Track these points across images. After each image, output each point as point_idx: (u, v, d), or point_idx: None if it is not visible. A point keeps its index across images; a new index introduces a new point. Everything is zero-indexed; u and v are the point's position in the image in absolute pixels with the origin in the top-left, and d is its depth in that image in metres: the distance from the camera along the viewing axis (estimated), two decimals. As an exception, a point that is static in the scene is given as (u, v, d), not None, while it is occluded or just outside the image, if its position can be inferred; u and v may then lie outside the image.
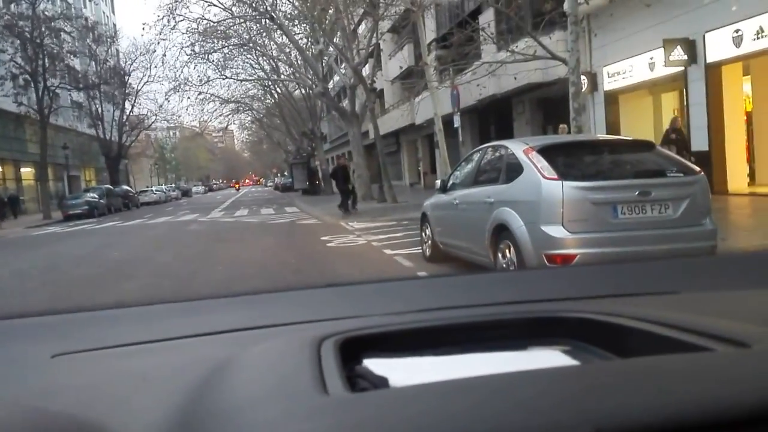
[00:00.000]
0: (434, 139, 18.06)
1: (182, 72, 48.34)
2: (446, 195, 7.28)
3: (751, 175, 12.89)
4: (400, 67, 30.22)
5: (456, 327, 0.83)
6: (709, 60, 12.23)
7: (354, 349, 0.76)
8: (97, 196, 30.15)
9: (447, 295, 1.14)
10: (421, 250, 8.28)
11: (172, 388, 0.70)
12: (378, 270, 7.94)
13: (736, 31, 11.37)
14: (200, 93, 30.44)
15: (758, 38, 10.97)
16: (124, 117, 42.41)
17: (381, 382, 0.66)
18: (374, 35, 22.74)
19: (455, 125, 16.49)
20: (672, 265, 1.31)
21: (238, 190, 72.67)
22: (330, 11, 21.19)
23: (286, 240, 12.62)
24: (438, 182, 8.07)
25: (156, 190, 47.70)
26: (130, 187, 45.04)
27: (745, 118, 13.02)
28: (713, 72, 12.32)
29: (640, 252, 4.86)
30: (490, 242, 5.80)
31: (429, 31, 19.88)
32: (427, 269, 7.39)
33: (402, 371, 0.70)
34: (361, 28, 25.17)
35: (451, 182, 7.42)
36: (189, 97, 34.41)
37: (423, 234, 8.15)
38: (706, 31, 12.08)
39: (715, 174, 11.88)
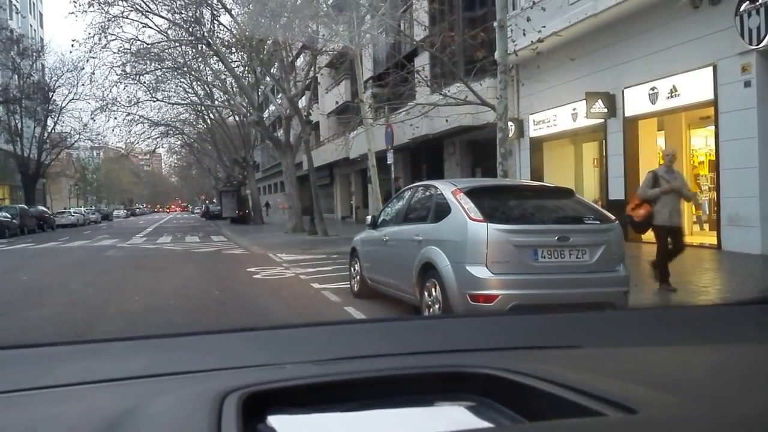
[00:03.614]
0: (367, 174, 18.24)
1: (111, 91, 46.88)
2: (376, 231, 7.33)
3: (663, 224, 13.67)
4: (336, 102, 30.48)
5: (366, 381, 0.83)
6: (627, 114, 13.03)
7: (261, 403, 0.75)
8: (9, 216, 28.44)
9: (362, 342, 1.14)
10: (349, 285, 8.26)
11: None
12: (304, 304, 7.85)
13: (653, 88, 12.20)
14: (128, 114, 29.55)
15: (672, 97, 11.81)
16: (46, 134, 40.51)
17: None
18: (312, 69, 22.91)
19: (388, 162, 16.74)
20: (577, 320, 1.37)
21: (168, 212, 70.09)
22: (268, 42, 21.24)
23: (211, 270, 12.29)
24: (369, 218, 8.13)
25: (74, 212, 45.44)
26: (47, 207, 42.76)
27: (658, 170, 13.87)
28: (631, 125, 13.12)
29: (556, 295, 5.04)
30: (417, 280, 5.86)
31: (366, 69, 20.24)
32: (354, 305, 7.36)
33: (307, 429, 0.69)
34: (299, 61, 25.32)
35: (381, 218, 7.49)
36: (116, 118, 33.44)
37: (352, 269, 8.14)
38: (625, 87, 12.90)
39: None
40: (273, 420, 0.72)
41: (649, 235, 12.89)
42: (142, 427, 0.69)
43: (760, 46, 9.65)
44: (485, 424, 0.74)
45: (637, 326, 1.25)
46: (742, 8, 9.87)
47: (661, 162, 13.50)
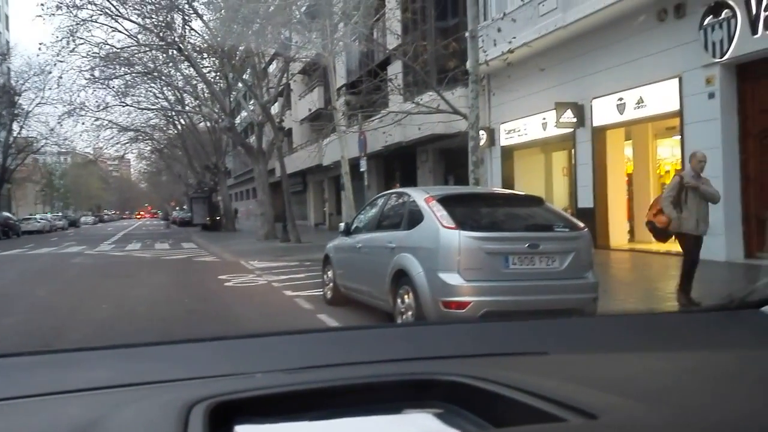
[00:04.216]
0: (341, 181, 18.23)
1: (79, 96, 46.00)
2: (349, 238, 7.33)
3: (631, 232, 13.95)
4: (309, 109, 30.40)
5: (335, 389, 0.84)
6: (596, 124, 13.27)
7: (230, 413, 0.75)
8: (-29, 222, 27.68)
9: (333, 351, 1.15)
10: (322, 293, 8.23)
11: None
12: (276, 312, 7.80)
13: (620, 99, 12.45)
14: (97, 119, 29.04)
15: (639, 107, 12.06)
16: (11, 139, 39.54)
17: None
18: (285, 75, 22.84)
19: (361, 169, 16.75)
20: (545, 326, 1.40)
21: (138, 219, 68.65)
22: (241, 48, 21.11)
23: (181, 277, 12.12)
24: (342, 225, 8.13)
25: (40, 219, 44.37)
26: (13, 213, 41.68)
27: (627, 179, 14.16)
28: (599, 135, 13.35)
29: (527, 301, 5.11)
30: (390, 287, 5.88)
31: (339, 77, 20.25)
32: (327, 312, 7.34)
33: None
34: (272, 68, 25.19)
35: (354, 225, 7.49)
36: (84, 123, 32.68)
37: (325, 276, 8.11)
38: (594, 98, 13.14)
39: (599, 230, 12.74)
40: (240, 430, 0.72)
41: (618, 242, 13.23)
42: None
43: (723, 59, 9.93)
44: (451, 431, 0.75)
45: (603, 333, 1.28)
46: (706, 22, 10.16)
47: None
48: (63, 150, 50.76)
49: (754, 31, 9.36)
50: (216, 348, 1.18)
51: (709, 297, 7.49)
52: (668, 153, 14.03)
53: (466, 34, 11.38)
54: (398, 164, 23.54)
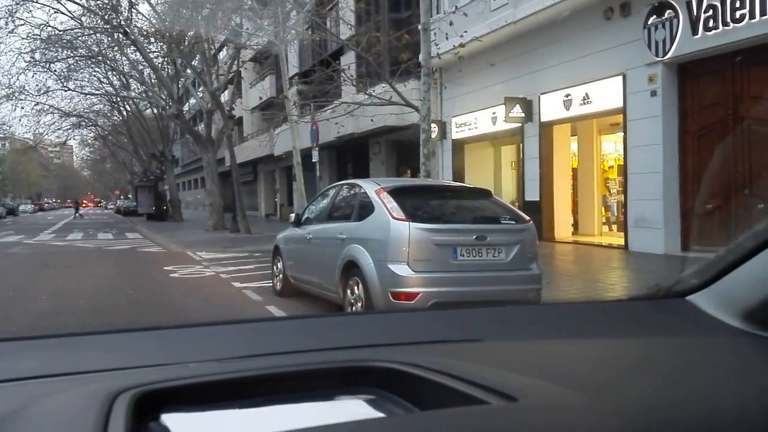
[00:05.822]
0: (292, 172, 18.08)
1: (18, 79, 44.09)
2: (300, 229, 7.29)
3: (575, 225, 14.35)
4: (260, 98, 29.96)
5: (266, 377, 0.83)
6: (543, 119, 13.56)
7: (156, 402, 0.74)
8: None
9: (272, 340, 1.14)
10: (271, 284, 8.17)
11: None
12: (224, 304, 7.69)
13: (567, 95, 12.75)
14: (37, 103, 27.87)
15: (584, 104, 12.38)
16: (-57, 122, 37.54)
17: None
18: (235, 62, 22.43)
19: (313, 160, 16.66)
20: (483, 314, 1.43)
21: (83, 208, 65.76)
22: (190, 33, 20.61)
23: (124, 268, 11.80)
24: (293, 216, 8.07)
25: (-25, 206, 42.40)
26: (-57, 201, 39.65)
27: (572, 173, 14.53)
28: (546, 130, 13.65)
29: (473, 292, 5.20)
30: (340, 278, 5.88)
31: (291, 66, 20.03)
32: (276, 304, 7.29)
33: (202, 427, 0.69)
34: (222, 54, 24.67)
35: (305, 216, 7.45)
36: (23, 107, 30.98)
37: (275, 267, 8.04)
38: (542, 93, 13.41)
39: (544, 222, 13.06)
40: (166, 418, 0.71)
41: (563, 235, 13.61)
42: (25, 428, 0.67)
43: (665, 58, 10.29)
44: (379, 415, 0.76)
45: (537, 321, 1.31)
46: (650, 21, 10.50)
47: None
48: (1, 135, 48.56)
49: (695, 32, 9.73)
50: (151, 338, 1.15)
51: (643, 287, 7.79)
52: (612, 149, 14.46)
53: (419, 26, 11.42)
54: (351, 155, 23.49)
